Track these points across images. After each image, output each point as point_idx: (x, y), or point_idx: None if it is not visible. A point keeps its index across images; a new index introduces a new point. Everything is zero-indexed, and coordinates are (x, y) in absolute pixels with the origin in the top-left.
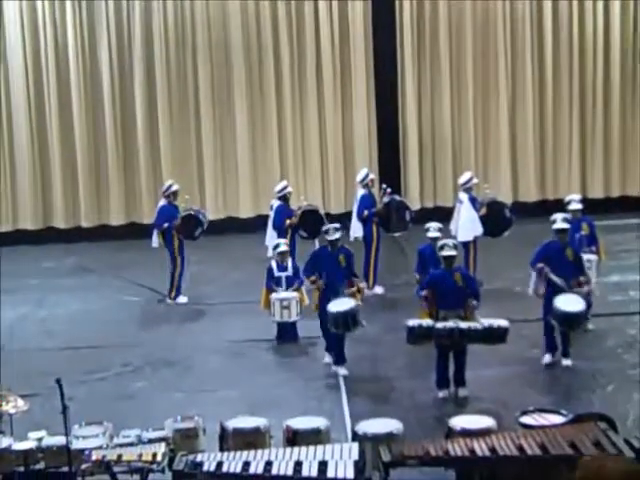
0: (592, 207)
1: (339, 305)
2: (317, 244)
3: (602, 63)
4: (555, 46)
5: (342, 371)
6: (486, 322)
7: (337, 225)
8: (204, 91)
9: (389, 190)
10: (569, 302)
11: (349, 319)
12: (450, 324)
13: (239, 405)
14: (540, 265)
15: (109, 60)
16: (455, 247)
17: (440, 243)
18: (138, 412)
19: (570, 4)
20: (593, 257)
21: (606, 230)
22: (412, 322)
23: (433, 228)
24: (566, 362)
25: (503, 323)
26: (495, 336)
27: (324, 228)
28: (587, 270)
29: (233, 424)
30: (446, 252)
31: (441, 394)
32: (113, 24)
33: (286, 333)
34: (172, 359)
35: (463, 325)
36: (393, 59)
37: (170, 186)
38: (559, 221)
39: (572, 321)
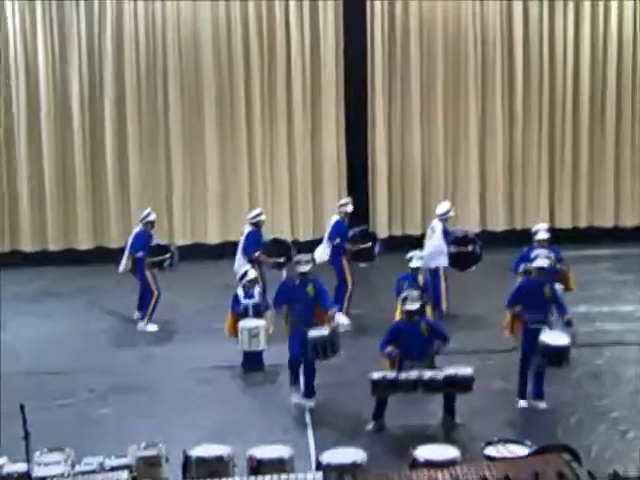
0: (560, 237)
1: (318, 331)
2: (284, 273)
3: (571, 97)
4: (525, 78)
5: (310, 403)
6: (450, 371)
7: (309, 257)
8: (174, 115)
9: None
10: (554, 337)
11: (327, 344)
12: (413, 375)
13: (203, 433)
14: (518, 309)
15: (79, 83)
16: (419, 299)
17: (403, 295)
18: (102, 439)
19: (540, 36)
20: (557, 286)
21: (574, 260)
22: (376, 375)
23: (417, 257)
24: (541, 405)
25: (468, 371)
26: (460, 385)
27: (295, 259)
28: None
29: (196, 452)
30: (408, 306)
31: (370, 426)
32: (84, 48)
33: (252, 361)
34: (138, 385)
35: (427, 375)
36: (364, 87)
37: (148, 214)
38: (541, 258)
39: (561, 356)
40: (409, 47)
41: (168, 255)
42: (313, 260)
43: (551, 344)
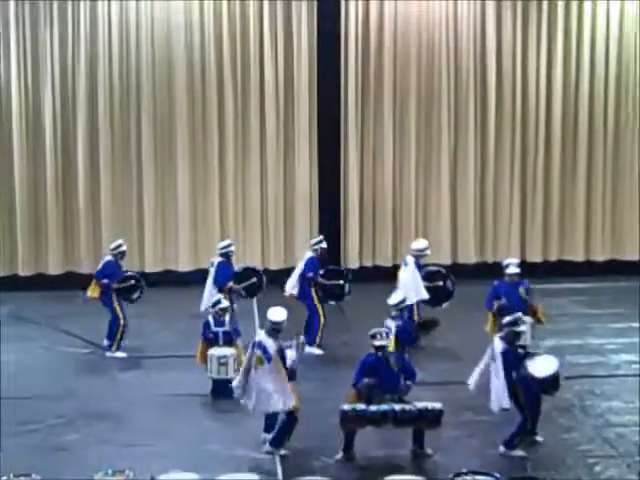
0: (530, 271)
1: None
2: (255, 303)
3: (544, 131)
4: (498, 113)
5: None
6: (421, 405)
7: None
8: (146, 143)
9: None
10: (541, 366)
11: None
12: (384, 407)
13: (171, 460)
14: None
15: (52, 108)
16: (387, 335)
17: (372, 332)
18: (69, 465)
19: (513, 71)
20: (528, 319)
21: (543, 294)
22: (346, 406)
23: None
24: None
25: (437, 406)
26: (429, 419)
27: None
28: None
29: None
30: (378, 342)
31: (338, 456)
32: (58, 76)
33: (221, 389)
34: (105, 412)
35: (397, 408)
36: (337, 119)
37: (119, 245)
38: (520, 324)
39: (554, 383)
40: (382, 83)
41: (138, 288)
42: None
43: (539, 376)
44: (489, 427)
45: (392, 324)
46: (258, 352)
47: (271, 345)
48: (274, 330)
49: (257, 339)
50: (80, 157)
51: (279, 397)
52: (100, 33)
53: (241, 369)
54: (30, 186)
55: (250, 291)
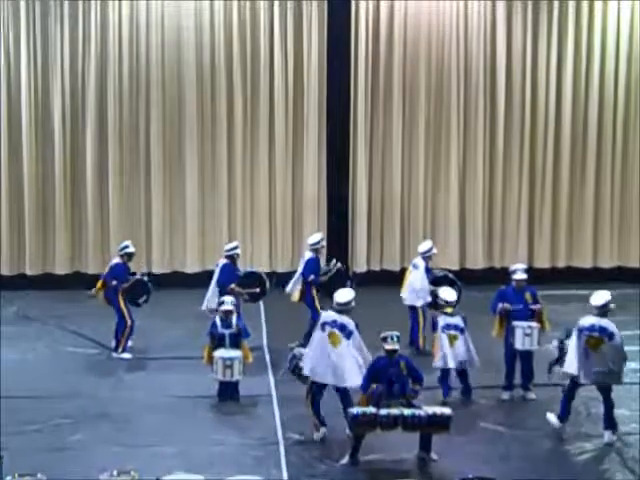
0: (538, 277)
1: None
2: (262, 306)
3: (553, 136)
4: (507, 118)
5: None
6: (430, 410)
7: None
8: (155, 145)
9: (337, 263)
10: None
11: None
12: (394, 411)
13: (176, 461)
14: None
15: (61, 109)
16: (398, 339)
17: (383, 335)
18: (75, 465)
19: (523, 77)
20: (534, 324)
21: (551, 300)
22: (356, 410)
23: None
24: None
25: (447, 411)
26: (438, 424)
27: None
28: (527, 337)
29: None
30: (389, 346)
31: (344, 460)
32: (67, 75)
33: (228, 391)
34: (111, 412)
35: (407, 412)
36: (346, 123)
37: (126, 247)
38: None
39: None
40: (392, 85)
41: (144, 293)
42: None
43: None
44: (495, 433)
45: None
46: (334, 330)
47: (349, 322)
48: (344, 310)
49: (329, 319)
50: (89, 157)
51: (356, 371)
52: (110, 33)
53: (308, 351)
54: (38, 186)
55: (253, 296)
